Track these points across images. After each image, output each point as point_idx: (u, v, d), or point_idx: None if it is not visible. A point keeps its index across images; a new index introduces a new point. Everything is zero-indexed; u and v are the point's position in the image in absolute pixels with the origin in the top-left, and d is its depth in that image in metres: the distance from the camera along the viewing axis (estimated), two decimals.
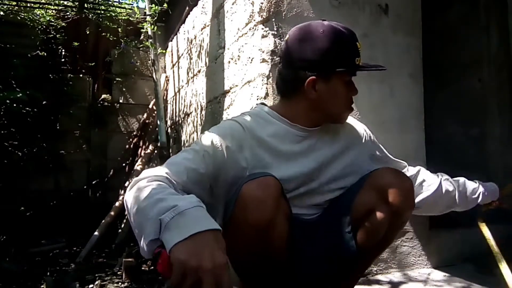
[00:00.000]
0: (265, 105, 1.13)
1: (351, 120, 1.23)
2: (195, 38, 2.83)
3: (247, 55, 1.86)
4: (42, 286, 1.95)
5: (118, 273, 2.17)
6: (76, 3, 3.64)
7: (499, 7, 2.42)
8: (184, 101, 3.17)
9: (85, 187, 3.69)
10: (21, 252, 2.56)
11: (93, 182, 3.69)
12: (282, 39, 1.66)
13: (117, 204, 2.96)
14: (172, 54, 3.67)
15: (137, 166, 3.24)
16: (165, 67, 4.01)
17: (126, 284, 1.98)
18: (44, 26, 3.58)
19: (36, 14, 3.62)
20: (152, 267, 2.18)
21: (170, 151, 3.34)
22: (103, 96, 3.93)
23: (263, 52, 1.68)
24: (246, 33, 1.87)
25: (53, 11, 3.72)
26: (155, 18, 3.09)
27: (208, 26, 2.52)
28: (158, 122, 3.11)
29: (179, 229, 0.69)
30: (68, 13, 3.71)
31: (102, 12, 3.77)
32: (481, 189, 1.31)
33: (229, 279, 0.68)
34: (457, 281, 1.70)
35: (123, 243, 2.64)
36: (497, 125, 2.40)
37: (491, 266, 1.52)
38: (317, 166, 1.07)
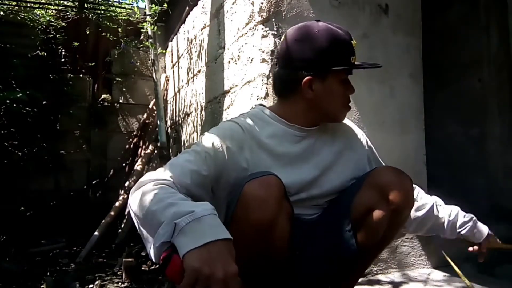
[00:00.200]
0: (264, 106, 1.14)
1: (349, 122, 1.23)
2: (195, 38, 2.83)
3: (247, 55, 1.86)
4: (42, 286, 1.95)
5: (118, 273, 2.17)
6: (76, 3, 3.64)
7: (499, 7, 2.42)
8: (184, 101, 3.17)
9: (85, 187, 3.69)
10: (21, 252, 2.56)
11: (93, 182, 3.69)
12: None
13: (117, 204, 2.96)
14: (172, 54, 3.67)
15: (137, 166, 3.24)
16: (165, 67, 4.01)
17: (126, 284, 1.98)
18: (44, 26, 3.58)
19: (36, 14, 3.62)
20: (153, 268, 2.19)
21: (170, 151, 3.34)
22: (103, 96, 3.93)
23: (263, 52, 1.69)
24: (246, 33, 1.87)
25: (53, 11, 3.72)
26: (155, 18, 3.09)
27: (208, 26, 2.52)
28: (158, 122, 3.11)
29: (194, 236, 0.70)
30: (68, 13, 3.71)
31: (102, 12, 3.77)
32: (471, 225, 1.24)
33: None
34: (457, 281, 1.70)
35: (123, 243, 2.64)
36: (497, 125, 2.39)
37: (491, 266, 1.52)
38: (318, 173, 1.07)
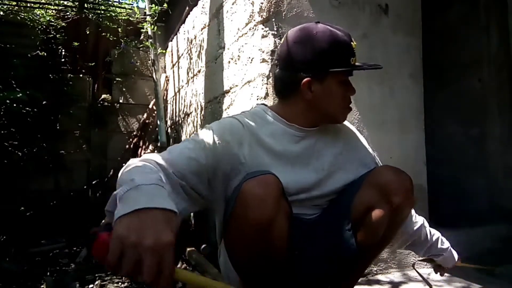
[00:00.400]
0: (265, 105, 1.14)
1: (351, 126, 1.24)
2: (195, 38, 2.83)
3: (247, 55, 1.86)
4: (42, 286, 1.95)
5: None
6: (76, 3, 3.64)
7: (499, 7, 2.42)
8: (184, 101, 3.17)
9: (85, 187, 3.69)
10: (21, 252, 2.56)
11: (93, 182, 3.69)
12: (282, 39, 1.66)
13: None
14: (172, 54, 3.67)
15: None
16: (165, 67, 4.01)
17: (126, 284, 1.98)
18: (44, 26, 3.58)
19: (36, 14, 3.62)
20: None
21: None
22: (103, 96, 3.93)
23: (263, 52, 1.69)
24: (246, 33, 1.87)
25: (53, 11, 3.72)
26: (155, 18, 3.09)
27: (208, 26, 2.52)
28: (158, 122, 3.11)
29: (128, 203, 0.67)
30: (68, 13, 3.71)
31: (102, 12, 3.77)
32: (446, 255, 1.29)
33: (173, 261, 0.63)
34: (457, 281, 1.70)
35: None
36: (497, 125, 2.40)
37: (491, 266, 1.52)
38: (318, 176, 1.07)
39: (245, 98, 1.87)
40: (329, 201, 1.12)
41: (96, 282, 1.98)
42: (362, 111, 1.79)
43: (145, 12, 3.30)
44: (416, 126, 1.95)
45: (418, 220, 1.24)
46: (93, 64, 3.81)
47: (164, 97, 3.72)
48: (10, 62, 3.23)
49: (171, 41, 3.67)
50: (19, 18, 3.53)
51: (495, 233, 2.08)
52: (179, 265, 2.25)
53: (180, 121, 3.31)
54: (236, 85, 2.01)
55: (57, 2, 3.72)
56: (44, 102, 3.43)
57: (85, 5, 3.67)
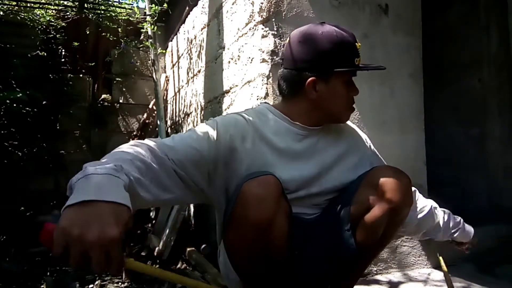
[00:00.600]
0: (268, 103, 1.15)
1: (353, 126, 1.24)
2: (195, 38, 2.83)
3: (247, 55, 1.86)
4: (42, 286, 1.95)
5: None
6: (76, 3, 3.64)
7: (499, 7, 2.42)
8: (184, 101, 3.17)
9: None
10: (21, 252, 2.56)
11: None
12: (282, 39, 1.66)
13: None
14: (172, 54, 3.67)
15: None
16: (165, 67, 4.01)
17: (126, 284, 1.98)
18: (44, 26, 3.58)
19: (36, 14, 3.62)
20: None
21: None
22: (103, 96, 3.93)
23: (263, 52, 1.68)
24: (246, 33, 1.87)
25: (53, 11, 3.72)
26: (155, 18, 3.09)
27: (208, 26, 2.52)
28: (158, 122, 3.10)
29: (77, 193, 0.66)
30: (68, 13, 3.71)
31: (102, 12, 3.77)
32: (461, 227, 1.32)
33: (120, 255, 0.63)
34: (457, 281, 1.70)
35: (123, 243, 2.63)
36: (497, 125, 2.40)
37: (491, 266, 1.52)
38: (318, 171, 1.08)
39: (245, 98, 1.87)
40: (328, 201, 1.12)
41: (96, 282, 1.98)
42: (362, 111, 1.79)
43: (145, 12, 3.29)
44: (416, 126, 1.95)
45: (426, 204, 1.25)
46: (93, 64, 3.81)
47: (164, 97, 3.72)
48: (10, 62, 3.23)
49: (171, 41, 3.67)
50: (19, 18, 3.52)
51: (495, 233, 2.08)
52: (178, 265, 2.25)
53: (180, 121, 3.31)
54: (236, 85, 2.01)
55: (57, 2, 3.72)
56: (44, 102, 3.43)
57: (85, 5, 3.67)
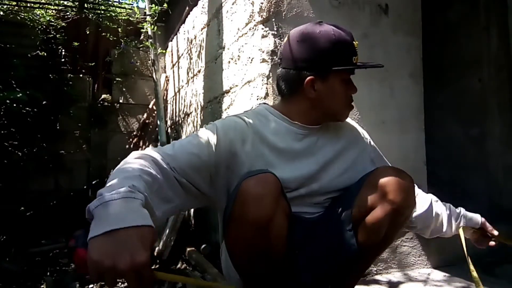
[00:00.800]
0: (267, 104, 1.16)
1: (352, 122, 1.24)
2: (195, 38, 2.83)
3: (247, 55, 1.86)
4: (42, 286, 1.95)
5: None
6: (76, 3, 3.65)
7: (499, 7, 2.42)
8: (184, 101, 3.17)
9: (85, 187, 3.69)
10: (21, 252, 2.56)
11: (93, 182, 3.68)
12: (282, 39, 1.66)
13: None
14: (172, 54, 3.67)
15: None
16: (165, 67, 4.01)
17: (126, 284, 1.98)
18: (44, 26, 3.58)
19: (36, 14, 3.62)
20: (153, 268, 2.18)
21: None
22: (103, 96, 3.93)
23: (263, 52, 1.69)
24: (246, 33, 1.87)
25: (53, 11, 3.72)
26: (155, 18, 3.09)
27: (208, 26, 2.52)
28: (158, 122, 3.10)
29: (99, 222, 0.67)
30: (68, 13, 3.71)
31: (102, 12, 3.77)
32: (464, 214, 1.29)
33: (151, 272, 0.65)
34: (457, 281, 1.70)
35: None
36: (497, 125, 2.40)
37: (491, 266, 1.52)
38: (318, 168, 1.08)
39: (245, 98, 1.87)
40: (329, 200, 1.12)
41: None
42: (362, 111, 1.79)
43: (145, 12, 3.29)
44: (416, 126, 1.95)
45: (426, 198, 1.23)
46: (93, 64, 3.81)
47: (164, 97, 3.72)
48: (10, 62, 3.23)
49: (171, 41, 3.67)
50: (19, 18, 3.53)
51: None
52: (178, 265, 2.25)
53: (180, 121, 3.31)
54: (236, 85, 2.01)
55: (57, 2, 3.72)
56: (44, 102, 3.43)
57: (85, 5, 3.67)
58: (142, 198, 0.73)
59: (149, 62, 3.73)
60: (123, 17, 3.81)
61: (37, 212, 3.29)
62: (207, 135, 1.01)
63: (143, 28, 3.33)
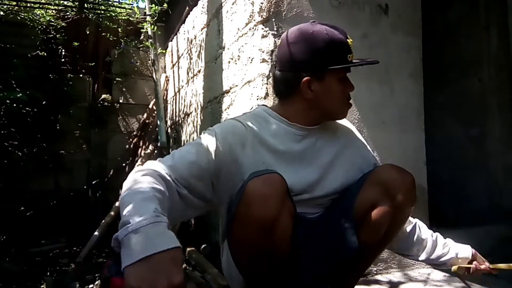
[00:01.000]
0: (266, 106, 1.16)
1: (349, 124, 1.24)
2: (195, 38, 2.83)
3: (247, 55, 1.86)
4: (42, 286, 1.95)
5: None
6: (76, 3, 3.64)
7: (499, 7, 2.42)
8: (184, 101, 3.17)
9: (85, 187, 3.69)
10: (21, 252, 2.56)
11: (93, 182, 3.68)
12: None
13: (117, 204, 2.95)
14: (172, 54, 3.67)
15: (137, 166, 3.23)
16: (165, 67, 4.01)
17: None
18: (44, 26, 3.58)
19: (36, 14, 3.61)
20: None
21: (170, 151, 3.33)
22: (103, 96, 3.93)
23: (263, 52, 1.69)
24: (246, 33, 1.87)
25: (53, 11, 3.72)
26: (155, 18, 3.09)
27: (208, 26, 2.52)
28: (158, 122, 3.10)
29: (130, 251, 0.69)
30: (68, 13, 3.71)
31: (102, 12, 3.77)
32: (453, 247, 1.21)
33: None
34: (457, 281, 1.69)
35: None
36: (497, 125, 2.40)
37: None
38: (320, 175, 1.08)
39: (245, 98, 1.87)
40: (331, 201, 1.12)
41: (96, 282, 1.98)
42: (362, 111, 1.79)
43: (145, 12, 3.29)
44: (416, 126, 1.95)
45: (411, 220, 1.21)
46: (93, 64, 3.80)
47: (164, 97, 3.72)
48: (10, 62, 3.23)
49: (171, 41, 3.67)
50: (19, 18, 3.52)
51: (495, 233, 2.08)
52: None
53: (180, 121, 3.31)
54: (236, 85, 2.01)
55: (57, 2, 3.72)
56: (44, 102, 3.42)
57: (85, 5, 3.67)
58: (166, 221, 0.76)
59: (149, 62, 3.73)
60: (123, 17, 3.81)
61: (37, 212, 3.29)
62: (206, 142, 1.01)
63: (143, 28, 3.33)
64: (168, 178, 0.92)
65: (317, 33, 1.02)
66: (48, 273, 2.18)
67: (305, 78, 1.03)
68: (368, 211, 1.04)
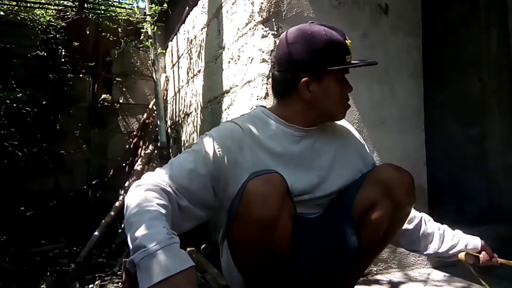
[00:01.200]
0: (264, 107, 1.15)
1: (347, 124, 1.24)
2: (195, 38, 2.83)
3: (247, 55, 1.86)
4: (42, 286, 1.95)
5: (118, 273, 2.17)
6: (76, 3, 3.64)
7: (499, 7, 2.42)
8: (184, 101, 3.17)
9: (85, 187, 3.69)
10: (21, 252, 2.56)
11: (93, 182, 3.68)
12: None
13: (117, 204, 2.96)
14: (172, 54, 3.67)
15: (137, 166, 3.24)
16: (165, 67, 4.01)
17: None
18: (44, 26, 3.58)
19: (36, 14, 3.62)
20: None
21: (170, 151, 3.34)
22: (103, 96, 3.93)
23: (263, 52, 1.69)
24: (246, 33, 1.87)
25: (53, 11, 3.72)
26: (155, 18, 3.09)
27: (208, 26, 2.52)
28: (158, 122, 3.11)
29: (147, 274, 0.71)
30: (68, 13, 3.71)
31: (102, 12, 3.77)
32: (462, 234, 1.22)
33: None
34: (457, 281, 1.70)
35: (123, 243, 2.63)
36: (497, 125, 2.40)
37: (491, 266, 1.51)
38: (319, 177, 1.08)
39: (245, 98, 1.87)
40: (330, 201, 1.12)
41: (96, 282, 1.98)
42: (362, 111, 1.79)
43: (145, 12, 3.29)
44: (416, 126, 1.95)
45: (416, 215, 1.21)
46: (93, 64, 3.80)
47: (164, 97, 3.72)
48: (10, 62, 3.23)
49: (171, 41, 3.67)
50: (19, 18, 3.52)
51: (495, 233, 2.08)
52: None
53: (180, 121, 3.31)
54: (236, 85, 2.01)
55: (57, 2, 3.72)
56: (44, 102, 3.43)
57: (85, 5, 3.67)
58: (177, 241, 0.78)
59: (149, 62, 3.73)
60: (123, 17, 3.81)
61: (37, 212, 3.29)
62: (203, 147, 1.01)
63: (143, 28, 3.33)
64: (169, 189, 0.92)
65: (316, 34, 1.02)
66: (48, 273, 2.18)
67: (303, 79, 1.02)
68: (368, 211, 1.04)
